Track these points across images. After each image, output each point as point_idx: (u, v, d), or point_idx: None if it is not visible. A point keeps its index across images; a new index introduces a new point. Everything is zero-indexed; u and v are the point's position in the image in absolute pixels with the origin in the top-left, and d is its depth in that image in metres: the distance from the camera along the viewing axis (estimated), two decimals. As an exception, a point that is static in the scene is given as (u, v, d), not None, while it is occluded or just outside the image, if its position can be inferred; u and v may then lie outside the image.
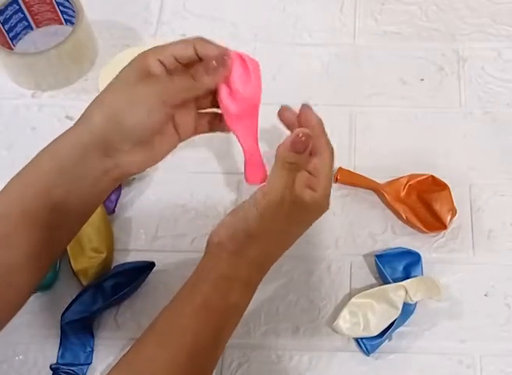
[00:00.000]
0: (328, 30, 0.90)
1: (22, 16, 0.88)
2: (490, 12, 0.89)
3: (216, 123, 0.63)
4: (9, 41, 0.89)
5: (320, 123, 0.60)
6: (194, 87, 0.58)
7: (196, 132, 0.62)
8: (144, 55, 0.58)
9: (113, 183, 0.58)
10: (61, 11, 0.89)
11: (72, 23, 0.88)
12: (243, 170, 0.62)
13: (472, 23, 0.89)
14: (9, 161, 0.82)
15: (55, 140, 0.57)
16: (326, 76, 0.86)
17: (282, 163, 0.57)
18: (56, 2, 0.88)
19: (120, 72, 0.58)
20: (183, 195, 0.78)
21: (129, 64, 0.58)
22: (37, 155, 0.57)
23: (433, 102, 0.83)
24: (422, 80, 0.85)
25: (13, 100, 0.87)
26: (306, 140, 0.57)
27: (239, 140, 0.62)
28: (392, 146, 0.80)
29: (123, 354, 0.55)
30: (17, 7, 0.87)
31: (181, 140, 0.61)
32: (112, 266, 0.73)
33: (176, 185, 0.78)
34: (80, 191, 0.57)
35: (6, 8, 0.86)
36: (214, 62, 0.58)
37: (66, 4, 0.87)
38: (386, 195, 0.75)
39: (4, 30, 0.87)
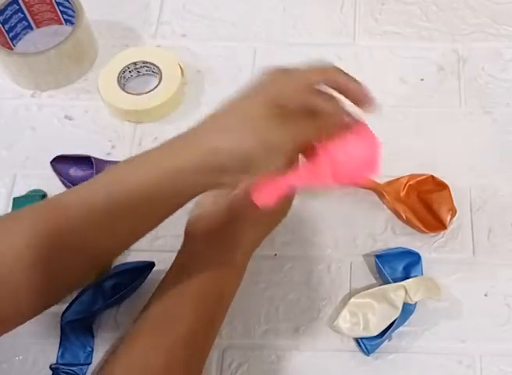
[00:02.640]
0: (328, 30, 0.90)
1: (22, 16, 0.88)
2: (490, 12, 0.89)
3: None
4: (9, 41, 0.89)
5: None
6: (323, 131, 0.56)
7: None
8: (278, 86, 0.55)
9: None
10: (61, 11, 0.89)
11: (72, 23, 0.88)
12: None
13: (472, 23, 0.89)
14: (9, 161, 0.82)
15: (170, 149, 0.55)
16: (326, 76, 0.86)
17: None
18: (56, 2, 0.88)
19: (252, 91, 0.55)
20: (183, 195, 0.78)
21: (260, 89, 0.55)
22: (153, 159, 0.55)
23: (433, 102, 0.83)
24: (422, 80, 0.85)
25: (13, 100, 0.87)
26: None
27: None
28: (392, 146, 0.80)
29: (117, 344, 0.55)
30: (17, 7, 0.87)
31: None
32: (112, 266, 0.73)
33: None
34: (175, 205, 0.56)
35: (6, 8, 0.86)
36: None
37: (66, 4, 0.87)
38: (386, 195, 0.75)
39: (4, 30, 0.87)
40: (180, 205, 0.56)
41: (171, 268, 0.62)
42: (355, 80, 0.58)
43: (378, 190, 0.76)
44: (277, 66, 0.56)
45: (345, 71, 0.58)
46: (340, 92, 0.57)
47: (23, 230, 0.53)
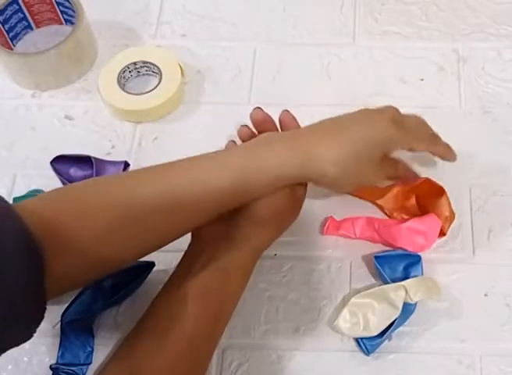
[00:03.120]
0: (328, 30, 0.90)
1: (22, 16, 0.88)
2: (490, 12, 0.89)
3: None
4: (9, 41, 0.89)
5: None
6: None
7: None
8: (392, 141, 0.64)
9: None
10: (61, 11, 0.89)
11: (72, 23, 0.88)
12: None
13: (472, 23, 0.89)
14: (9, 161, 0.82)
15: (282, 162, 0.60)
16: (326, 77, 0.86)
17: None
18: (56, 2, 0.88)
19: (364, 128, 0.63)
20: (183, 195, 0.78)
21: (375, 131, 0.63)
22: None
23: (433, 102, 0.83)
24: (422, 80, 0.85)
25: (13, 100, 0.87)
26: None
27: None
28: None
29: (120, 344, 0.55)
30: (17, 7, 0.87)
31: None
32: (112, 266, 0.73)
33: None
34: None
35: (6, 8, 0.86)
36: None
37: (66, 4, 0.87)
38: (385, 209, 0.75)
39: (4, 30, 0.87)
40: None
41: (177, 267, 0.62)
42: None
43: (375, 204, 0.76)
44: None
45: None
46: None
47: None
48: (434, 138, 0.70)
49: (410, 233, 0.71)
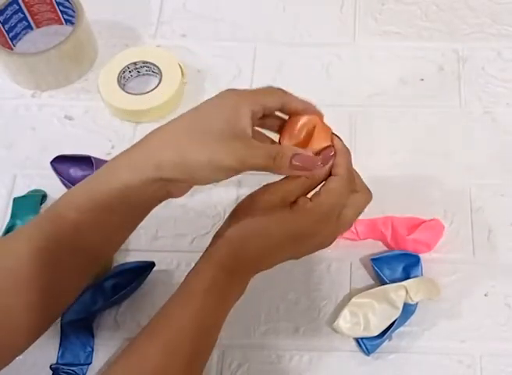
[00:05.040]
0: (328, 30, 0.90)
1: (22, 16, 0.88)
2: (490, 12, 0.89)
3: None
4: (9, 41, 0.89)
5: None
6: (272, 168, 0.56)
7: None
8: (237, 104, 0.56)
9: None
10: (61, 11, 0.89)
11: (72, 23, 0.88)
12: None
13: (472, 23, 0.89)
14: (9, 161, 0.82)
15: (115, 168, 0.57)
16: (326, 76, 0.86)
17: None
18: (56, 2, 0.88)
19: (206, 107, 0.57)
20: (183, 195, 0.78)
21: (218, 104, 0.56)
22: (102, 176, 0.57)
23: (433, 102, 0.83)
24: (422, 80, 0.85)
25: (13, 100, 0.87)
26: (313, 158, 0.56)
27: None
28: (392, 146, 0.80)
29: (118, 357, 0.55)
30: (17, 7, 0.87)
31: None
32: (112, 266, 0.73)
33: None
34: (132, 218, 0.59)
35: (6, 8, 0.86)
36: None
37: (66, 4, 0.87)
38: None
39: (4, 30, 0.87)
40: (143, 213, 0.59)
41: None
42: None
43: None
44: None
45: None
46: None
47: (20, 248, 0.55)
48: (286, 93, 0.59)
49: (416, 244, 0.71)
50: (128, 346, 0.55)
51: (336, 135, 0.58)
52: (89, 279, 0.60)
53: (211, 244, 0.58)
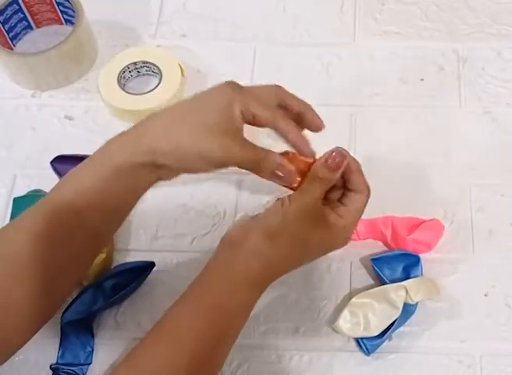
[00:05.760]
0: (328, 30, 0.90)
1: (22, 16, 0.88)
2: (490, 12, 0.89)
3: None
4: (9, 41, 0.89)
5: (359, 163, 0.62)
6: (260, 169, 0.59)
7: None
8: (232, 100, 0.57)
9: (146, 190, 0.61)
10: (61, 11, 0.89)
11: (72, 23, 0.88)
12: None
13: (472, 23, 0.89)
14: (9, 161, 0.82)
15: (109, 151, 0.58)
16: (326, 76, 0.86)
17: (313, 176, 0.59)
18: (56, 2, 0.88)
19: (203, 98, 0.58)
20: (183, 195, 0.78)
21: (215, 97, 0.58)
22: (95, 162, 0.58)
23: (433, 102, 0.83)
24: (422, 80, 0.85)
25: (13, 100, 0.87)
26: (340, 160, 0.59)
27: None
28: (392, 146, 0.80)
29: (126, 355, 0.55)
30: (17, 7, 0.87)
31: None
32: (112, 266, 0.73)
33: (175, 185, 0.78)
34: (127, 200, 0.60)
35: (6, 8, 0.86)
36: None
37: (66, 4, 0.87)
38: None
39: (4, 30, 0.87)
40: (136, 196, 0.60)
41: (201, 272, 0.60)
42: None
43: None
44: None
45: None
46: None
47: (20, 236, 0.56)
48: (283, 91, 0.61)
49: (416, 244, 0.71)
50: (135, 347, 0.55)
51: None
52: (91, 260, 0.61)
53: (237, 257, 0.58)
